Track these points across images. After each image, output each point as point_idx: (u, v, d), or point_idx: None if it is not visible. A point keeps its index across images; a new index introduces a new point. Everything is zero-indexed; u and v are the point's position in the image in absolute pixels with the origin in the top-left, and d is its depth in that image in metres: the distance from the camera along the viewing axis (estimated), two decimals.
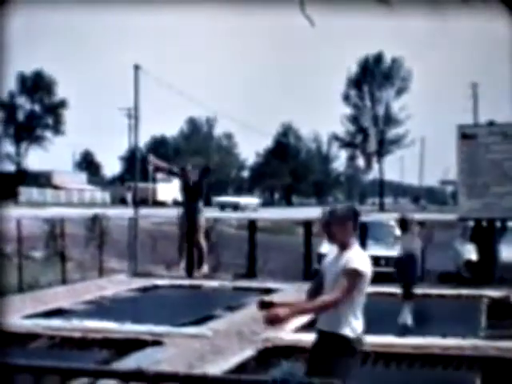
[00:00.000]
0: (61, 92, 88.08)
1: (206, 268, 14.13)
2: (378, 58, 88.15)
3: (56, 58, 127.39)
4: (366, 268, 5.10)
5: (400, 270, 10.55)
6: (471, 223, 15.78)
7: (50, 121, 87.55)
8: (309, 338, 8.75)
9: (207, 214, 16.12)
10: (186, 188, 13.77)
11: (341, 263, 5.11)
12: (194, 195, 13.73)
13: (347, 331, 5.03)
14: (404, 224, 10.99)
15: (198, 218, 12.70)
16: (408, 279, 10.44)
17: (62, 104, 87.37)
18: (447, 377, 7.36)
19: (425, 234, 12.35)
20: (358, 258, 5.11)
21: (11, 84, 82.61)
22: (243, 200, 64.70)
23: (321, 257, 16.44)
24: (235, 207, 58.19)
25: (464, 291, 12.66)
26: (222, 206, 57.89)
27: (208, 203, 78.65)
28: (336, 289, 5.00)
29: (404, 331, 9.32)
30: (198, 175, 13.84)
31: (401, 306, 10.18)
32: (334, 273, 5.12)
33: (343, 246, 5.19)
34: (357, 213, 5.32)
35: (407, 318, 9.97)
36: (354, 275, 5.00)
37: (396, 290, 10.77)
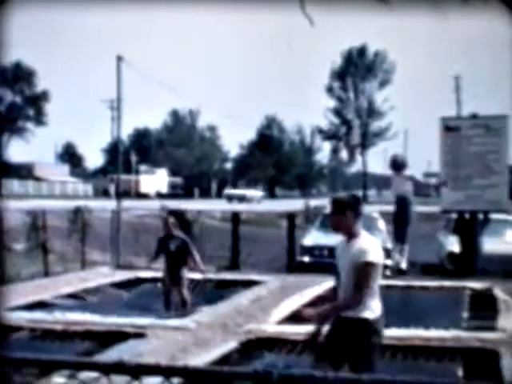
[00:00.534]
0: (43, 84, 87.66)
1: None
2: (362, 51, 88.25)
3: (38, 50, 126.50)
4: (378, 255, 5.16)
5: (394, 213, 10.24)
6: (454, 215, 15.84)
7: (31, 112, 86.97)
8: (291, 329, 8.76)
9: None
10: (167, 255, 11.85)
11: (351, 253, 5.16)
12: (177, 263, 11.75)
13: (367, 314, 5.13)
14: (396, 164, 10.60)
15: (182, 276, 11.30)
16: (402, 222, 10.16)
17: (44, 95, 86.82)
18: (429, 368, 7.38)
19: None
20: (369, 247, 5.14)
21: None
22: (249, 192, 69.82)
23: (304, 249, 16.47)
24: (241, 199, 62.35)
25: (447, 283, 12.71)
26: (230, 198, 62.65)
27: (219, 195, 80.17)
28: (355, 288, 5.08)
29: (397, 274, 9.17)
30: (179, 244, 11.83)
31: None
32: (347, 264, 5.19)
33: (349, 235, 5.22)
34: (357, 200, 5.32)
35: (402, 260, 9.78)
36: (368, 269, 5.07)
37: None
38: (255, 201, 64.29)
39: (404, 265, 9.87)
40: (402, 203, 10.06)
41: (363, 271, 5.07)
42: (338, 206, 5.25)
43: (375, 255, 5.14)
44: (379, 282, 5.28)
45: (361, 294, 5.08)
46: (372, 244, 5.22)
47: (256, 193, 72.18)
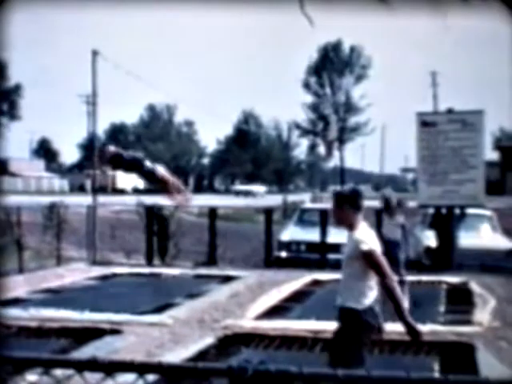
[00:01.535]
0: (16, 77, 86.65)
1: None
2: (337, 46, 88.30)
3: (10, 43, 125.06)
4: (375, 245, 5.26)
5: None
6: (431, 210, 15.91)
7: (4, 106, 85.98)
8: (269, 324, 8.75)
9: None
10: None
11: (350, 244, 5.29)
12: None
13: (353, 304, 5.21)
14: (390, 206, 10.42)
15: None
16: (393, 264, 10.07)
17: (17, 89, 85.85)
18: (406, 362, 7.40)
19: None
20: (364, 237, 5.24)
21: None
22: (254, 188, 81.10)
23: (281, 244, 16.47)
24: (247, 194, 71.27)
25: (423, 277, 12.77)
26: (237, 193, 72.16)
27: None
28: (380, 277, 5.19)
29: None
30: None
31: None
32: (345, 256, 5.35)
33: (350, 229, 5.32)
34: (358, 194, 5.39)
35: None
36: (369, 257, 5.17)
37: None
38: (259, 195, 72.69)
39: (406, 303, 9.91)
40: (393, 249, 10.01)
41: (370, 256, 5.19)
42: (338, 200, 5.34)
43: (371, 244, 5.23)
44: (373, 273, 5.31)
45: (389, 278, 5.18)
46: (367, 234, 5.31)
47: (260, 188, 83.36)
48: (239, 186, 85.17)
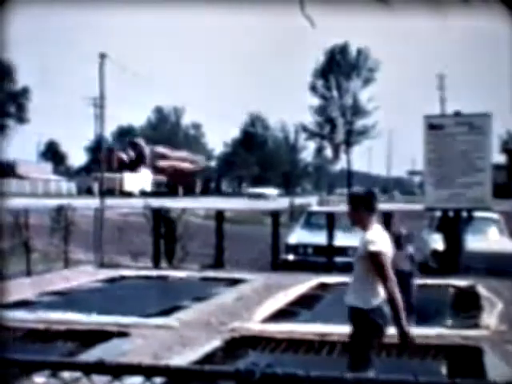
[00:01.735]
0: (24, 80, 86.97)
1: None
2: (344, 49, 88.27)
3: (18, 46, 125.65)
4: (384, 247, 5.32)
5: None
6: (438, 213, 15.87)
7: (12, 109, 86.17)
8: (276, 328, 8.75)
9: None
10: None
11: (361, 245, 5.38)
12: None
13: (359, 303, 5.29)
14: (399, 243, 10.42)
15: None
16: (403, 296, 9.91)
17: (24, 92, 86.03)
18: (413, 366, 7.38)
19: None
20: (374, 238, 5.30)
21: None
22: (267, 191, 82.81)
23: (288, 247, 16.45)
24: (259, 196, 72.84)
25: (430, 281, 12.74)
26: (250, 196, 73.44)
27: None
28: (382, 279, 5.25)
29: None
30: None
31: None
32: (357, 254, 5.44)
33: (363, 229, 5.40)
34: (372, 196, 5.49)
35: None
36: (375, 258, 5.23)
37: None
38: (271, 198, 73.53)
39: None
40: (405, 278, 9.90)
41: (375, 257, 5.25)
42: (353, 202, 5.46)
43: (380, 245, 5.28)
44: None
45: (390, 280, 5.22)
46: (379, 235, 5.38)
47: (272, 191, 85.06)
48: (252, 189, 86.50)
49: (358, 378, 2.04)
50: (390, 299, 5.23)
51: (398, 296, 5.27)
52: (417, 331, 8.31)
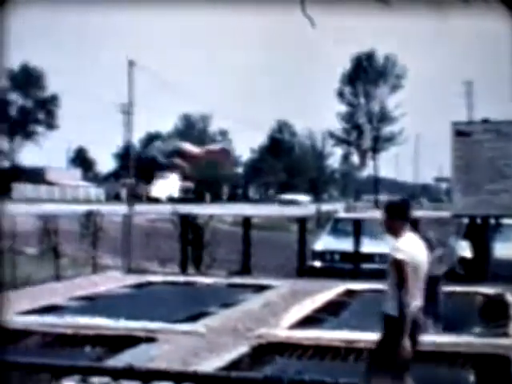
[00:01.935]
0: (53, 87, 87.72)
1: None
2: (371, 56, 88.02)
3: (47, 52, 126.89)
4: (412, 255, 5.31)
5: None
6: (465, 220, 15.77)
7: (41, 116, 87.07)
8: (302, 334, 8.75)
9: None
10: None
11: (390, 252, 5.43)
12: None
13: (392, 310, 5.28)
14: (430, 246, 10.29)
15: None
16: (431, 300, 9.84)
17: (53, 98, 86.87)
18: (441, 374, 7.35)
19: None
20: (402, 245, 5.35)
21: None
22: (299, 197, 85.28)
23: (315, 254, 16.43)
24: (291, 202, 75.20)
25: (458, 288, 12.64)
26: (282, 202, 75.85)
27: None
28: (396, 288, 5.28)
29: None
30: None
31: None
32: (388, 261, 5.48)
33: (396, 236, 5.46)
34: (406, 205, 5.61)
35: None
36: (397, 266, 5.27)
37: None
38: (303, 204, 75.36)
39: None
40: (433, 284, 9.79)
41: (393, 267, 5.30)
42: (388, 210, 5.54)
43: (407, 254, 5.29)
44: (416, 282, 5.37)
45: (401, 292, 5.24)
46: (409, 243, 5.40)
47: (304, 197, 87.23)
48: (284, 195, 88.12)
49: None
50: (400, 312, 5.25)
51: (406, 310, 5.27)
52: (445, 339, 8.29)
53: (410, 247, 5.37)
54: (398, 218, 5.46)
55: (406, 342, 5.22)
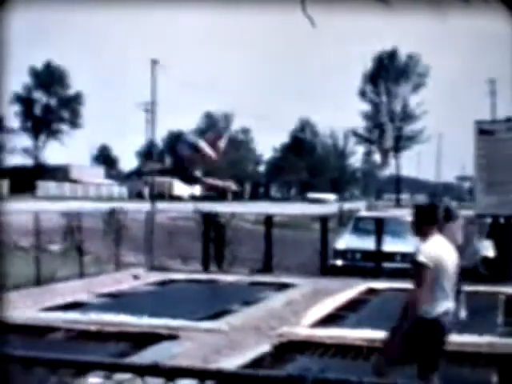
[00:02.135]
0: (77, 86, 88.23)
1: None
2: (393, 55, 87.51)
3: (70, 51, 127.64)
4: (435, 257, 5.35)
5: None
6: (489, 220, 15.67)
7: (65, 114, 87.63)
8: (324, 333, 8.76)
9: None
10: None
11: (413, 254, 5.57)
12: None
13: (422, 313, 5.33)
14: (448, 215, 10.20)
15: None
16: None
17: (77, 97, 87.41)
18: (463, 374, 7.32)
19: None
20: (426, 249, 5.40)
21: (26, 78, 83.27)
22: (325, 196, 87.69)
23: (337, 252, 16.42)
24: (318, 201, 77.69)
25: (481, 288, 12.58)
26: (309, 200, 78.70)
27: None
28: (414, 286, 5.38)
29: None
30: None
31: None
32: None
33: (423, 239, 5.54)
34: (434, 208, 5.78)
35: (461, 311, 9.61)
36: (416, 268, 5.36)
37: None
38: (329, 203, 76.71)
39: (463, 313, 9.75)
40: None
41: (414, 270, 5.42)
42: (417, 214, 5.65)
43: (430, 255, 5.33)
44: (444, 282, 5.43)
45: (414, 294, 5.33)
46: (435, 246, 5.45)
47: (331, 196, 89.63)
48: (312, 194, 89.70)
49: None
50: (401, 314, 5.35)
51: (407, 315, 5.34)
52: (467, 339, 8.25)
53: (436, 250, 5.41)
54: (426, 222, 5.56)
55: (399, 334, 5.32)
